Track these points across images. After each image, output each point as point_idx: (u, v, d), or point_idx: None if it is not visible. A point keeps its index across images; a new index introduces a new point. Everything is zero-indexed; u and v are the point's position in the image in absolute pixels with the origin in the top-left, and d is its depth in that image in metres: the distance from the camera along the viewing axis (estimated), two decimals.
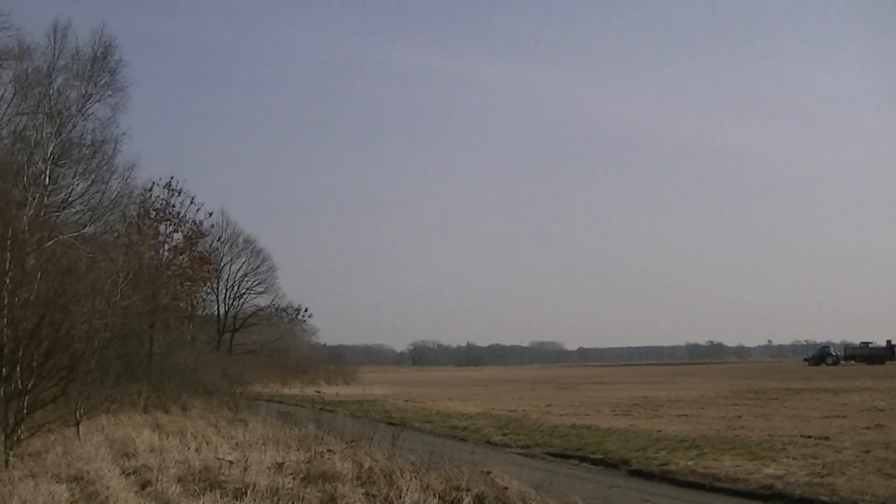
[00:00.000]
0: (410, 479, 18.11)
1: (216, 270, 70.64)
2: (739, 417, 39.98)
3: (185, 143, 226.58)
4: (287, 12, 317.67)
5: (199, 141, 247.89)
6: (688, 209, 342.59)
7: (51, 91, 43.04)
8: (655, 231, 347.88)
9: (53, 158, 38.60)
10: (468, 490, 17.07)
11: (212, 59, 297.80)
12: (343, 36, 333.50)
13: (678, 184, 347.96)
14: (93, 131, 47.07)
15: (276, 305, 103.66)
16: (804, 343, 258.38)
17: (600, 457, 27.86)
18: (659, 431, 34.23)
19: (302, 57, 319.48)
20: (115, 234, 48.58)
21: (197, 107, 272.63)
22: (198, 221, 55.30)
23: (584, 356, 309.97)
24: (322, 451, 21.22)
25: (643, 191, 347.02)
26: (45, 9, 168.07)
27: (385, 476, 18.58)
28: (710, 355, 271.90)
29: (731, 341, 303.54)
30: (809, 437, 30.66)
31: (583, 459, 28.00)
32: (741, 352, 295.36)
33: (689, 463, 24.97)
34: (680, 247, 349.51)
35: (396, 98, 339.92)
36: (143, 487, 17.66)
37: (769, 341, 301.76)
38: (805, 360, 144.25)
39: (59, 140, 39.68)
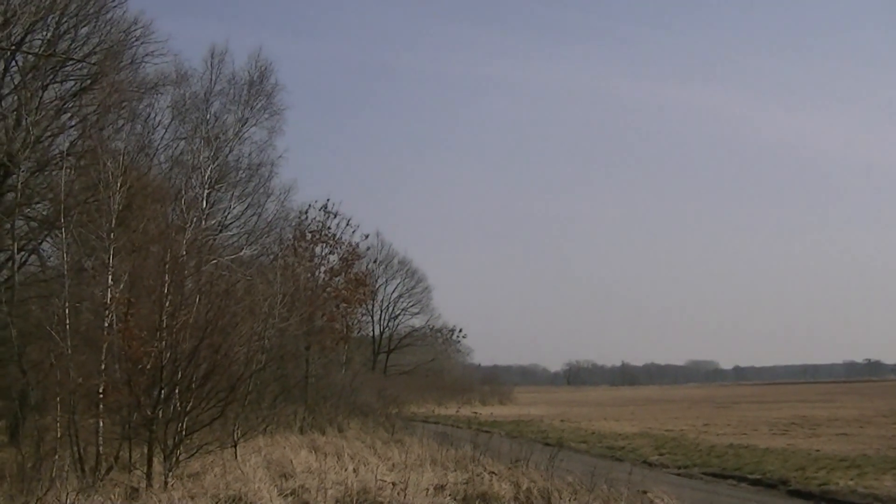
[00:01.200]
0: (569, 500, 17.72)
1: (372, 292, 71.07)
2: None
3: (340, 165, 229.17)
4: (412, 27, 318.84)
5: (354, 163, 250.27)
6: (842, 225, 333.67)
7: (208, 116, 43.85)
8: (807, 247, 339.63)
9: (211, 182, 39.16)
10: None
11: (363, 78, 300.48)
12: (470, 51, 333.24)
13: (827, 196, 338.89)
14: (249, 155, 47.89)
15: (431, 326, 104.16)
16: None
17: (759, 477, 27.23)
18: (818, 451, 33.31)
19: (438, 72, 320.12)
20: (272, 257, 49.08)
21: (352, 127, 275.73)
22: (354, 243, 55.55)
23: (741, 375, 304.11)
24: (480, 472, 20.94)
25: (786, 205, 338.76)
26: (202, 34, 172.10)
27: (543, 497, 18.25)
28: (868, 373, 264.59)
29: (889, 359, 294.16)
30: None
31: (741, 479, 27.41)
32: None
33: (850, 483, 24.23)
34: (836, 261, 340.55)
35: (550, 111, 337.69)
36: None
37: None
38: None
39: (216, 164, 40.27)
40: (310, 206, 53.65)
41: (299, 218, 53.66)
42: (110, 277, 22.97)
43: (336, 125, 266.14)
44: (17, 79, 33.74)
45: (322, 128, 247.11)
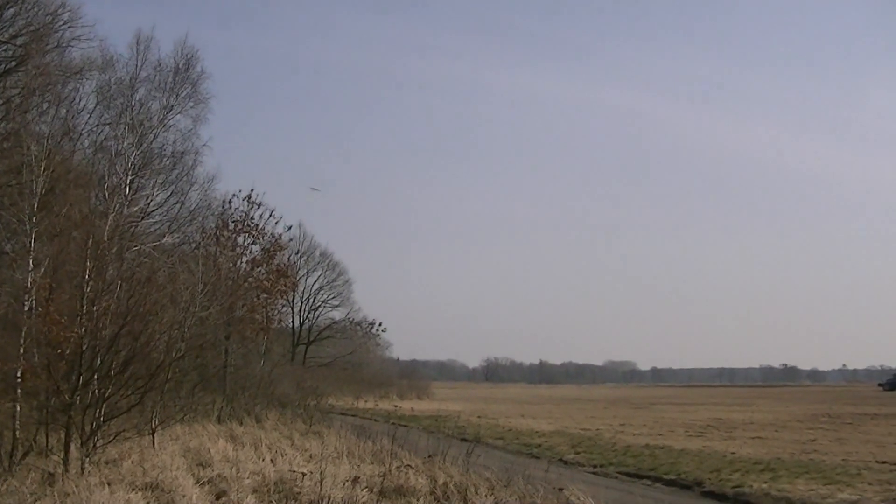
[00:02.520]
0: (485, 496, 17.98)
1: (293, 284, 70.91)
2: (814, 441, 39.47)
3: (263, 155, 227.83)
4: (351, 24, 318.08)
5: (277, 153, 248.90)
6: (762, 231, 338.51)
7: (133, 102, 43.37)
8: (729, 252, 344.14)
9: (134, 169, 38.93)
10: None
11: (294, 72, 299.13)
12: (427, 51, 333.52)
13: (751, 205, 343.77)
14: (174, 142, 47.50)
15: (351, 319, 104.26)
16: (879, 368, 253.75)
17: (674, 477, 27.65)
18: (733, 453, 33.90)
19: (390, 72, 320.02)
20: (194, 245, 48.88)
21: (275, 119, 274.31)
22: (276, 234, 55.44)
23: (658, 376, 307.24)
24: (397, 466, 21.14)
25: (716, 211, 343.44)
26: (128, 20, 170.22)
27: (459, 492, 18.48)
28: (784, 378, 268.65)
29: (805, 365, 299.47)
30: (885, 462, 30.25)
31: (656, 480, 27.80)
32: (815, 375, 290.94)
33: (763, 486, 24.73)
34: (754, 268, 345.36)
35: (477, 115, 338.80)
36: (218, 497, 17.69)
37: (844, 365, 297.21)
38: (880, 385, 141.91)
39: (140, 151, 40.02)
40: (233, 195, 53.43)
41: (222, 207, 53.46)
42: (31, 261, 22.87)
43: (261, 116, 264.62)
44: None
45: (248, 118, 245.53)
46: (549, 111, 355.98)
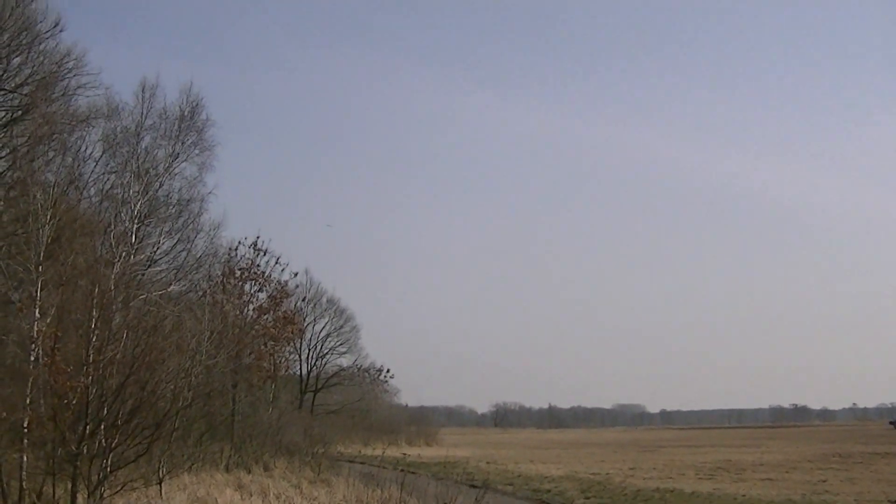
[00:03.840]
0: None
1: (300, 330, 70.75)
2: (825, 482, 39.30)
3: (270, 202, 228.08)
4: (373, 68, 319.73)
5: (284, 200, 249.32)
6: (771, 268, 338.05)
7: (139, 150, 43.59)
8: (738, 292, 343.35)
9: (140, 217, 39.07)
10: None
11: (301, 119, 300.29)
12: (439, 90, 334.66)
13: (758, 244, 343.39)
14: (179, 190, 47.66)
15: (359, 366, 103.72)
16: (890, 406, 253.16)
17: None
18: (744, 495, 33.77)
19: (393, 113, 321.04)
20: (201, 293, 48.86)
21: (283, 165, 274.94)
22: (283, 281, 55.39)
23: (667, 419, 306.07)
24: None
25: (723, 250, 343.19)
26: (135, 67, 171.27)
27: None
28: (793, 418, 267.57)
29: (814, 404, 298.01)
30: None
31: None
32: (825, 415, 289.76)
33: None
34: (763, 307, 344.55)
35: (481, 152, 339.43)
36: None
37: (854, 404, 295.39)
38: (891, 423, 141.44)
39: (146, 199, 40.17)
40: (239, 242, 53.41)
41: (228, 254, 53.44)
42: (37, 310, 22.89)
43: (267, 162, 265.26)
44: None
45: (253, 164, 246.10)
46: (567, 146, 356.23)
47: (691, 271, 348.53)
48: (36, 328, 22.48)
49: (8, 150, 34.88)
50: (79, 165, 41.23)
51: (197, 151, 46.96)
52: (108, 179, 43.57)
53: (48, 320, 22.84)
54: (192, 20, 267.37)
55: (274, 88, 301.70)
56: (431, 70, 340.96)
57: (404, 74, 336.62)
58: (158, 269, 47.01)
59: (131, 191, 39.03)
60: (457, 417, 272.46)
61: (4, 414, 20.77)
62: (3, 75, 34.89)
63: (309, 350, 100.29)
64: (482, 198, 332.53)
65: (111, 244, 34.56)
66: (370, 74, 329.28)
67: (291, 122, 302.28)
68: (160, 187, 44.84)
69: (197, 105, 47.16)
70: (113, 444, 21.26)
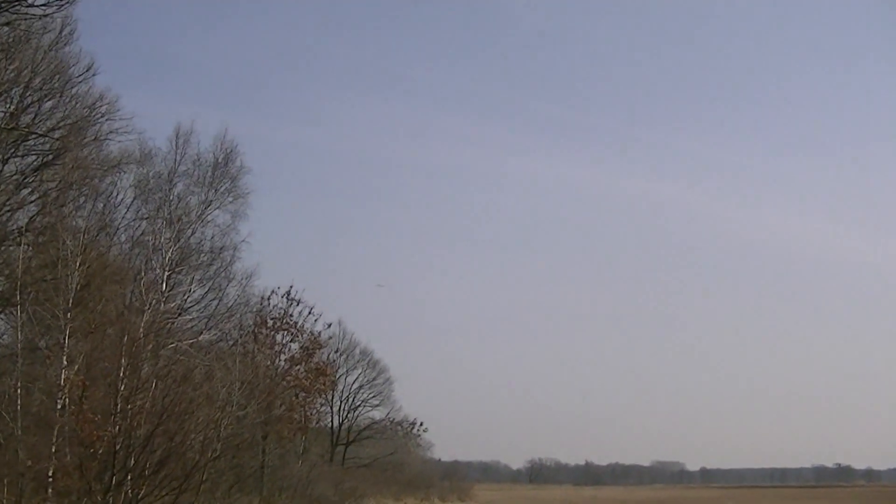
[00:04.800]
0: None
1: (332, 382, 70.52)
2: None
3: (306, 252, 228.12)
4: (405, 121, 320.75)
5: (320, 251, 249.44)
6: (817, 327, 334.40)
7: (171, 196, 43.75)
8: (780, 347, 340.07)
9: (171, 264, 39.02)
10: None
11: (341, 170, 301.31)
12: (477, 145, 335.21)
13: (800, 299, 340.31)
14: (212, 238, 47.69)
15: (392, 419, 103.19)
16: None
17: None
18: None
19: (428, 166, 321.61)
20: (231, 343, 48.77)
21: (318, 214, 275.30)
22: (316, 332, 55.26)
23: (707, 477, 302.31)
24: None
25: (766, 305, 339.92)
26: (168, 112, 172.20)
27: None
28: (837, 478, 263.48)
29: (859, 463, 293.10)
30: None
31: None
32: (871, 475, 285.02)
33: None
34: (806, 364, 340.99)
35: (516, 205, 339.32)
36: None
37: None
38: None
39: (177, 246, 40.13)
40: (272, 292, 53.30)
41: (261, 304, 53.36)
42: (65, 358, 22.82)
43: (296, 208, 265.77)
44: None
45: (283, 211, 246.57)
46: (593, 201, 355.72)
47: (732, 328, 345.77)
48: (63, 376, 22.41)
49: (38, 195, 35.00)
50: (110, 211, 41.43)
51: (230, 199, 47.08)
52: (139, 226, 43.75)
53: (76, 368, 22.78)
54: (228, 68, 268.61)
55: (317, 138, 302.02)
56: (477, 124, 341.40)
57: (447, 128, 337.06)
58: (189, 317, 46.94)
59: (163, 238, 39.05)
60: (491, 473, 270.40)
61: (30, 463, 20.66)
62: (34, 119, 35.06)
63: (341, 402, 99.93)
64: (523, 255, 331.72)
65: (141, 292, 34.50)
66: (414, 128, 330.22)
67: (330, 174, 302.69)
68: (192, 235, 44.91)
69: (231, 152, 47.31)
70: (140, 496, 21.11)
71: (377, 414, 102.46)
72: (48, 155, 35.62)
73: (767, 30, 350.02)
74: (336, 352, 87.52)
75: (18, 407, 21.62)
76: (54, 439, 21.19)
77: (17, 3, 27.42)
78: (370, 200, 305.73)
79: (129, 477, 21.01)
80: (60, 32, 34.96)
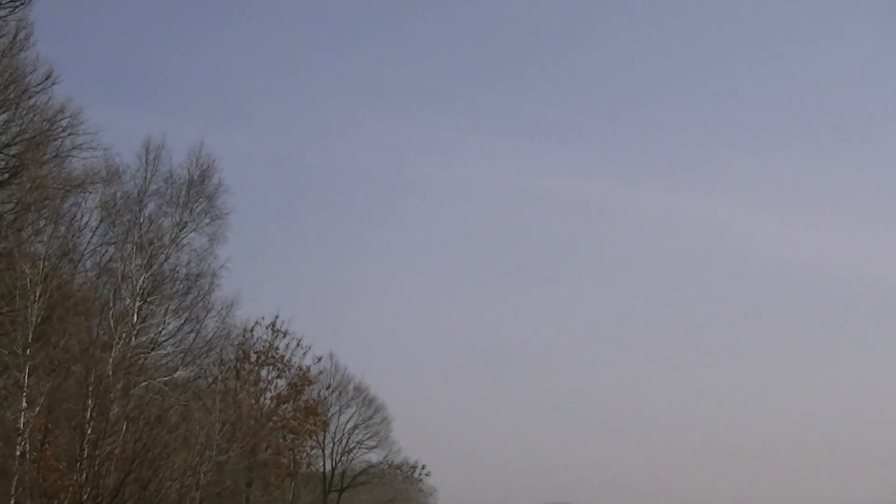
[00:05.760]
0: None
1: (324, 422, 70.35)
2: None
3: (292, 277, 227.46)
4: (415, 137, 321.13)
5: (307, 275, 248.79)
6: (865, 358, 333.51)
7: (141, 219, 43.50)
8: (840, 374, 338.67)
9: (143, 294, 38.86)
10: None
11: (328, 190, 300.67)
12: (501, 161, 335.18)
13: (850, 324, 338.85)
14: (187, 264, 47.37)
15: (390, 462, 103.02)
16: None
17: None
18: None
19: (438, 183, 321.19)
20: (211, 380, 48.53)
21: (308, 236, 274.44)
22: (304, 367, 55.05)
23: None
24: None
25: (815, 332, 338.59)
26: (138, 126, 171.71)
27: None
28: None
29: None
30: None
31: None
32: None
33: None
34: (865, 396, 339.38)
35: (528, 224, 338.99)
36: None
37: None
38: None
39: (149, 273, 39.98)
40: (255, 323, 53.13)
41: (243, 336, 53.13)
42: (24, 399, 22.65)
43: (282, 229, 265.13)
44: None
45: (269, 232, 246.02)
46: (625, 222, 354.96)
47: (783, 360, 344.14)
48: (23, 419, 22.24)
49: None
50: (73, 236, 41.12)
51: (207, 220, 46.81)
52: (106, 251, 43.45)
53: (37, 410, 22.60)
54: (204, 76, 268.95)
55: (303, 153, 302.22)
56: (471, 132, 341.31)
57: (445, 139, 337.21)
58: (163, 352, 46.71)
59: (133, 264, 38.90)
60: None
61: None
62: None
63: (333, 444, 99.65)
64: (540, 281, 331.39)
65: (109, 325, 34.38)
66: (417, 141, 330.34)
67: (321, 190, 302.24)
68: (165, 260, 44.65)
69: (208, 168, 46.97)
70: None
71: (374, 457, 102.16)
72: (3, 173, 35.49)
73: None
74: (327, 388, 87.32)
75: None
76: (13, 490, 20.99)
77: None
78: (366, 220, 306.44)
79: None
80: (15, 37, 34.89)
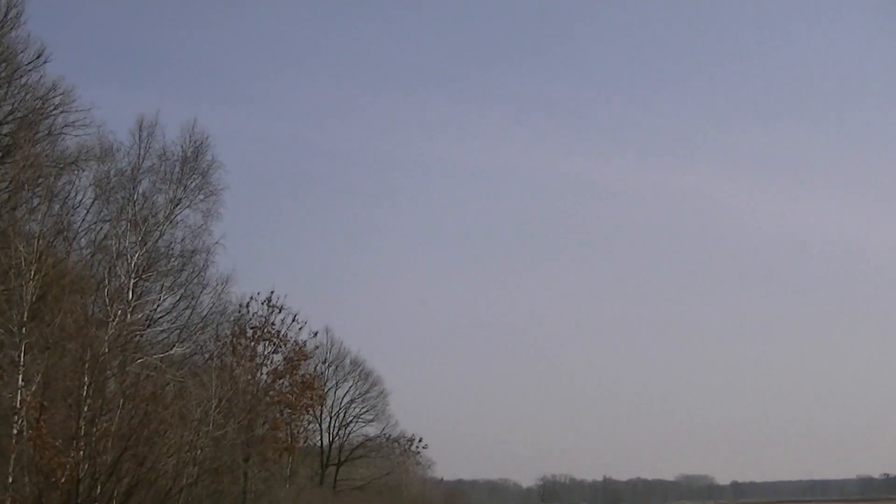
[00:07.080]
0: None
1: (320, 397, 70.35)
2: None
3: (287, 253, 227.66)
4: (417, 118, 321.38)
5: (303, 251, 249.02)
6: (860, 327, 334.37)
7: (135, 196, 43.52)
8: (818, 350, 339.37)
9: (138, 271, 38.87)
10: None
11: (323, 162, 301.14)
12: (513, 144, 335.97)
13: (843, 295, 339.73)
14: (182, 240, 47.50)
15: (387, 435, 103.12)
16: None
17: None
18: None
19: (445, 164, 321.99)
20: (207, 356, 48.57)
21: (302, 213, 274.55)
22: (300, 341, 55.02)
23: (739, 491, 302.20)
24: None
25: (798, 301, 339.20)
26: (131, 104, 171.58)
27: None
28: (885, 490, 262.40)
29: None
30: None
31: None
32: None
33: None
34: (849, 366, 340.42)
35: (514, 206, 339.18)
36: None
37: None
38: None
39: (144, 250, 39.98)
40: (251, 298, 53.03)
41: (239, 312, 53.12)
42: (20, 377, 22.70)
43: (279, 207, 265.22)
44: None
45: (265, 210, 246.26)
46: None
47: (757, 331, 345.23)
48: (19, 397, 22.30)
49: None
50: (67, 214, 41.15)
51: (202, 196, 46.85)
52: (100, 229, 43.53)
53: (33, 388, 22.65)
54: (197, 56, 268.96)
55: (294, 131, 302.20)
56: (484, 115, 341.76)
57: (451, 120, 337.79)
58: (159, 329, 46.80)
59: (127, 241, 38.89)
60: (499, 492, 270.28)
61: None
62: None
63: (331, 418, 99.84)
64: (533, 258, 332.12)
65: (105, 302, 34.38)
66: (421, 122, 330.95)
67: (314, 170, 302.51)
68: (160, 237, 44.69)
69: (201, 144, 46.95)
70: None
71: (371, 430, 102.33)
72: None
73: None
74: (324, 363, 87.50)
75: None
76: (10, 469, 21.09)
77: None
78: (361, 199, 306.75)
79: None
80: (6, 15, 34.87)
